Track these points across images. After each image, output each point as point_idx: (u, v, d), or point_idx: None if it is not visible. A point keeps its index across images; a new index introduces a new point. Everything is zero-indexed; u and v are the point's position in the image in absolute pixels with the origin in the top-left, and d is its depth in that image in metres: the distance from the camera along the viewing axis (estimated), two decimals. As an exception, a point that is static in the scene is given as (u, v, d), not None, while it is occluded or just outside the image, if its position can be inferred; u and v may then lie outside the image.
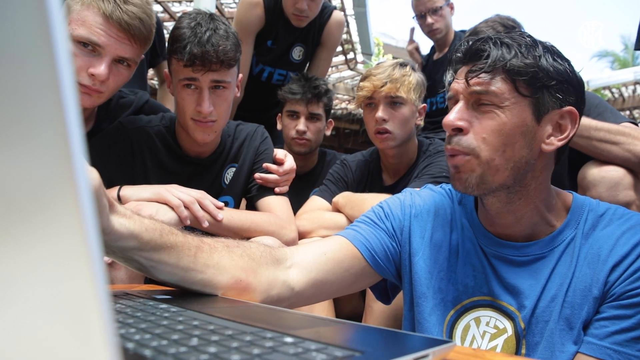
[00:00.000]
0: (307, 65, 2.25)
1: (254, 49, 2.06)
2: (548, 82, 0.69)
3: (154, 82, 3.49)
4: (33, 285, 0.19)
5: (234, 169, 1.32)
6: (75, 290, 0.19)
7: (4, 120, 0.18)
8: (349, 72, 4.82)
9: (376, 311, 1.19)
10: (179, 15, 1.76)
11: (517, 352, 0.72)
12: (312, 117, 1.82)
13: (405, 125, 1.48)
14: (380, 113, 1.45)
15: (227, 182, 1.31)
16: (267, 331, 0.41)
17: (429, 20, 2.34)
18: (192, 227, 1.09)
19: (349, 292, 0.84)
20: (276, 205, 1.27)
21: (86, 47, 1.03)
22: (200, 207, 1.08)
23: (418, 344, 0.41)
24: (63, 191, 0.19)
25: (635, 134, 1.23)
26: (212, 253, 0.63)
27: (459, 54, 0.75)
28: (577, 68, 0.74)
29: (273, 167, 1.30)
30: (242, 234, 1.14)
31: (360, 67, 4.83)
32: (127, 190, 1.08)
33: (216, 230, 1.11)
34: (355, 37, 4.69)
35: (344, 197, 1.45)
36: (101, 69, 1.04)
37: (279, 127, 1.93)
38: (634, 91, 4.47)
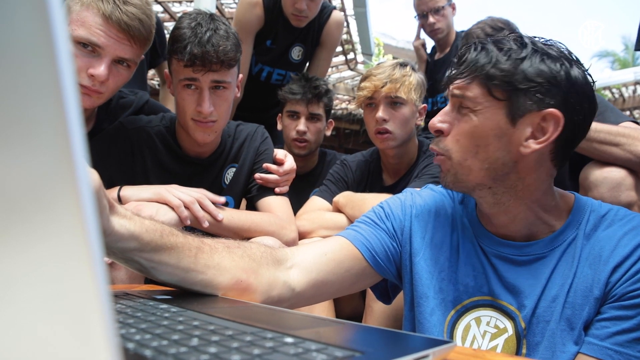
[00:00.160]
0: (307, 65, 2.25)
1: (253, 48, 2.06)
2: (525, 85, 0.68)
3: (154, 82, 3.49)
4: (33, 285, 0.19)
5: (234, 169, 1.32)
6: (75, 290, 0.19)
7: (5, 120, 0.18)
8: (349, 73, 4.82)
9: (376, 311, 1.19)
10: (179, 15, 1.76)
11: (518, 352, 0.72)
12: (312, 118, 1.82)
13: (405, 125, 1.48)
14: (380, 113, 1.45)
15: (227, 182, 1.31)
16: (268, 331, 0.41)
17: (431, 20, 2.34)
18: (193, 227, 1.09)
19: (349, 293, 0.84)
20: (276, 205, 1.27)
21: (86, 47, 1.03)
22: (201, 207, 1.08)
23: (418, 344, 0.41)
24: (64, 191, 0.19)
25: (635, 135, 1.23)
26: (213, 254, 0.63)
27: (454, 59, 0.77)
28: (583, 69, 0.72)
29: (273, 167, 1.30)
30: (242, 234, 1.14)
31: (360, 67, 4.83)
32: (127, 191, 1.08)
33: (216, 230, 1.11)
34: (356, 37, 4.69)
35: (345, 197, 1.44)
36: (101, 69, 1.03)
37: (279, 127, 1.93)
38: (634, 91, 4.47)
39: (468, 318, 0.76)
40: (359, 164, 1.64)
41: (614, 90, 4.55)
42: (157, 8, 3.16)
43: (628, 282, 0.65)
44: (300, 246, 0.81)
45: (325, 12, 2.12)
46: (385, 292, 0.92)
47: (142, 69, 1.79)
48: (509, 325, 0.73)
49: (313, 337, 0.39)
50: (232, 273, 0.64)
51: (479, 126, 0.71)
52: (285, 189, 1.32)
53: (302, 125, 1.79)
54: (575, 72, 0.70)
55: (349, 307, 1.43)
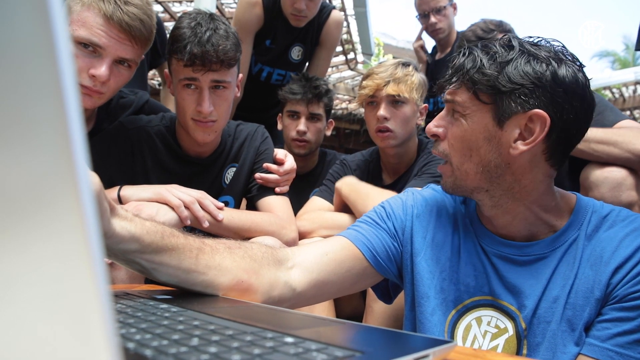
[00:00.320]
0: (307, 65, 2.25)
1: (252, 48, 2.06)
2: (509, 88, 0.69)
3: (154, 82, 3.49)
4: (34, 284, 0.19)
5: (234, 169, 1.32)
6: (76, 290, 0.19)
7: (5, 120, 0.18)
8: (349, 72, 4.82)
9: (377, 311, 1.19)
10: (179, 15, 1.76)
11: (519, 352, 0.72)
12: (312, 117, 1.82)
13: (406, 124, 1.48)
14: (381, 111, 1.46)
15: (227, 182, 1.31)
16: (268, 331, 0.41)
17: (432, 19, 2.34)
18: (193, 227, 1.09)
19: (350, 292, 0.84)
20: (276, 205, 1.27)
21: (87, 48, 1.03)
22: (201, 207, 1.08)
23: (419, 344, 0.41)
24: (64, 191, 0.19)
25: (631, 133, 1.24)
26: (214, 254, 0.63)
27: (450, 64, 0.78)
28: (577, 69, 0.72)
29: (273, 167, 1.30)
30: (243, 234, 1.14)
31: (360, 67, 4.84)
32: (128, 191, 1.08)
33: (216, 230, 1.11)
34: (356, 37, 4.69)
35: (349, 186, 1.43)
36: (102, 70, 1.03)
37: (279, 127, 1.93)
38: (635, 91, 4.47)
39: (469, 318, 0.76)
40: (359, 164, 1.65)
41: (614, 90, 4.55)
42: (157, 8, 3.16)
43: (629, 283, 0.65)
44: (301, 246, 0.81)
45: (325, 11, 2.12)
46: (387, 292, 0.92)
47: (142, 69, 1.79)
48: (509, 325, 0.73)
49: (313, 337, 0.39)
50: (233, 273, 0.64)
51: (468, 130, 0.73)
52: (286, 188, 1.32)
53: (302, 125, 1.79)
54: (563, 71, 0.69)
55: (349, 307, 1.43)
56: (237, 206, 1.33)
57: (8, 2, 0.18)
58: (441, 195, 0.87)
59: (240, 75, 1.26)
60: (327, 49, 2.21)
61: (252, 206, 1.32)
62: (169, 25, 3.00)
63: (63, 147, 0.18)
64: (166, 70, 1.24)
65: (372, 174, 1.62)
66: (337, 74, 4.81)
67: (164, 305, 0.52)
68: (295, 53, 2.14)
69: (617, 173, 1.23)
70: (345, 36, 4.30)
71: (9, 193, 0.19)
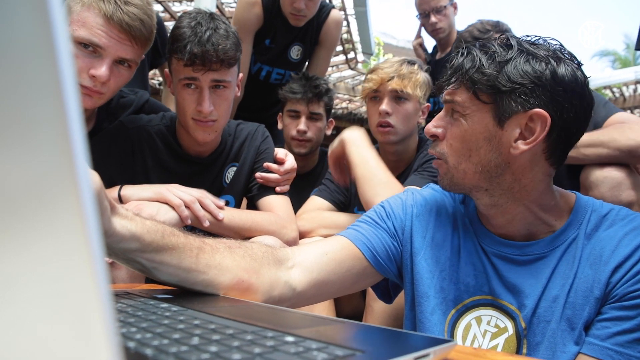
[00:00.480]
0: (306, 64, 2.25)
1: (252, 48, 2.06)
2: (509, 87, 0.69)
3: (154, 81, 3.49)
4: (34, 284, 0.19)
5: (234, 168, 1.32)
6: (76, 289, 0.19)
7: (6, 119, 0.18)
8: (349, 72, 4.82)
9: (377, 310, 1.19)
10: (179, 14, 1.76)
11: (518, 351, 0.72)
12: (312, 117, 1.82)
13: (407, 121, 1.48)
14: (384, 106, 1.46)
15: (227, 182, 1.31)
16: (268, 330, 0.41)
17: (433, 19, 2.34)
18: (193, 226, 1.09)
19: (350, 292, 0.84)
20: (277, 204, 1.27)
21: (87, 48, 1.03)
22: (201, 206, 1.08)
23: (419, 343, 0.41)
24: (64, 190, 0.19)
25: (615, 130, 1.25)
26: (214, 254, 0.63)
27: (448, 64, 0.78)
28: (576, 68, 0.72)
29: (274, 166, 1.30)
30: (243, 234, 1.14)
31: (360, 66, 4.83)
32: (128, 190, 1.08)
33: (217, 229, 1.11)
34: (356, 37, 4.68)
35: (362, 159, 1.33)
36: (102, 70, 1.03)
37: (279, 126, 1.93)
38: (635, 90, 4.47)
39: (469, 317, 0.76)
40: None
41: (614, 89, 4.55)
42: (157, 7, 3.16)
43: (629, 282, 0.65)
44: (301, 246, 0.81)
45: (324, 11, 2.12)
46: (387, 292, 0.92)
47: (143, 68, 1.79)
48: (509, 324, 0.73)
49: (314, 336, 0.39)
50: (233, 273, 0.64)
51: (468, 130, 0.72)
52: (286, 188, 1.32)
53: (302, 124, 1.79)
54: (562, 70, 0.69)
55: (349, 307, 1.43)
56: (237, 205, 1.33)
57: (8, 2, 0.18)
58: (441, 195, 0.87)
59: (241, 74, 1.26)
60: (327, 49, 2.21)
61: (252, 205, 1.32)
62: (169, 25, 3.00)
63: (63, 146, 0.18)
64: (166, 69, 1.24)
65: None
66: (338, 74, 4.81)
67: (165, 305, 0.52)
68: (295, 52, 2.14)
69: (616, 172, 1.23)
70: (345, 35, 4.30)
71: (10, 192, 0.19)
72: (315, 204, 1.54)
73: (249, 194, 1.33)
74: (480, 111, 0.72)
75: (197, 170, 1.28)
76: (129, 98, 1.37)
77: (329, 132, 1.94)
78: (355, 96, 4.58)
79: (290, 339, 0.38)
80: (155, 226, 0.59)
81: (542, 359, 0.68)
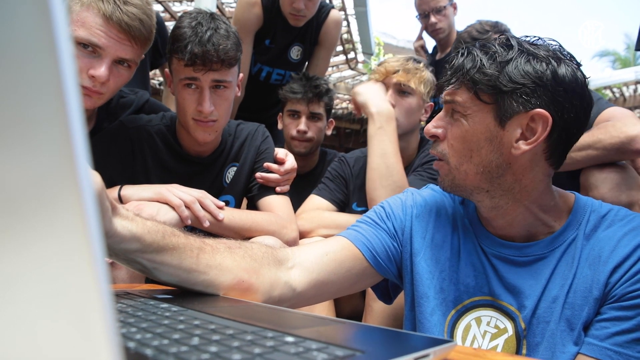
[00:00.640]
0: (306, 64, 2.25)
1: (252, 48, 2.06)
2: (510, 87, 0.69)
3: (154, 81, 3.49)
4: (35, 284, 0.19)
5: (235, 168, 1.32)
6: (77, 289, 0.19)
7: (7, 119, 0.18)
8: (349, 72, 4.82)
9: (376, 311, 1.19)
10: (179, 14, 1.76)
11: (518, 352, 0.72)
12: (313, 117, 1.82)
13: (409, 115, 1.48)
14: (387, 97, 1.46)
15: (228, 181, 1.31)
16: (268, 330, 0.41)
17: (432, 19, 2.35)
18: (193, 226, 1.09)
19: (350, 292, 0.84)
20: (277, 204, 1.27)
21: (86, 48, 1.03)
22: (201, 206, 1.08)
23: (419, 343, 0.41)
24: (65, 190, 0.19)
25: (599, 131, 1.26)
26: (215, 254, 0.63)
27: (447, 64, 0.78)
28: (575, 67, 0.73)
29: (274, 166, 1.30)
30: (243, 234, 1.14)
31: (360, 66, 4.83)
32: (128, 190, 1.08)
33: (217, 229, 1.11)
34: (356, 37, 4.68)
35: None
36: (101, 70, 1.03)
37: (279, 126, 1.93)
38: (635, 90, 4.47)
39: (468, 318, 0.76)
40: (357, 159, 1.64)
41: (614, 89, 4.55)
42: (157, 7, 3.16)
43: (627, 282, 0.65)
44: (301, 246, 0.81)
45: (324, 11, 2.12)
46: (386, 292, 0.92)
47: (144, 68, 1.79)
48: (509, 325, 0.73)
49: (314, 336, 0.39)
50: (234, 273, 0.64)
51: (470, 130, 0.72)
52: (286, 188, 1.32)
53: (302, 124, 1.79)
54: (562, 70, 0.69)
55: (349, 307, 1.43)
56: (237, 206, 1.33)
57: (9, 2, 0.18)
58: (440, 196, 0.87)
59: (241, 75, 1.26)
60: (326, 49, 2.21)
61: (252, 205, 1.32)
62: (169, 24, 3.00)
63: (64, 146, 0.18)
64: (167, 69, 1.24)
65: None
66: (338, 74, 4.81)
67: (165, 305, 0.52)
68: (295, 53, 2.14)
69: (616, 173, 1.23)
70: (345, 36, 4.30)
71: (11, 192, 0.19)
72: (315, 203, 1.54)
73: (249, 194, 1.33)
74: (482, 111, 0.72)
75: (197, 170, 1.28)
76: (129, 98, 1.37)
77: (329, 132, 1.94)
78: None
79: (290, 339, 0.38)
80: (156, 227, 0.59)
81: (541, 359, 0.68)
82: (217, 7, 3.01)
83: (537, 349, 0.70)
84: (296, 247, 0.84)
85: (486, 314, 0.75)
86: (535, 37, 0.76)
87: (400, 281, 0.86)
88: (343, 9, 4.00)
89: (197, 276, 0.61)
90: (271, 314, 0.54)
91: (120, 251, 0.56)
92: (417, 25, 2.51)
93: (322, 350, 0.36)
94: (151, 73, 2.55)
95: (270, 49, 2.10)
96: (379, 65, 1.53)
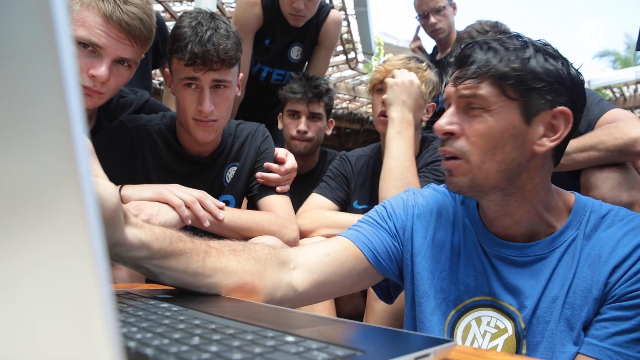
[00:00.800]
0: (306, 64, 2.25)
1: (252, 48, 2.06)
2: (536, 84, 0.69)
3: (154, 82, 3.49)
4: (36, 283, 0.19)
5: (235, 168, 1.32)
6: (77, 289, 0.19)
7: (8, 118, 0.18)
8: (349, 72, 4.81)
9: (377, 310, 1.19)
10: (179, 14, 1.76)
11: (518, 352, 0.72)
12: (313, 117, 1.82)
13: None
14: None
15: (228, 181, 1.31)
16: (269, 330, 0.41)
17: (432, 20, 2.34)
18: (193, 226, 1.09)
19: (351, 292, 0.84)
20: (277, 204, 1.27)
21: (86, 48, 1.03)
22: (202, 206, 1.08)
23: (419, 343, 0.41)
24: (66, 189, 0.19)
25: (602, 132, 1.26)
26: (220, 257, 0.64)
27: (451, 59, 0.77)
28: (575, 66, 0.74)
29: (274, 166, 1.30)
30: (243, 234, 1.14)
31: (361, 66, 4.83)
32: (128, 190, 1.08)
33: (217, 229, 1.11)
34: (356, 37, 4.68)
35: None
36: (102, 70, 1.03)
37: (279, 126, 1.93)
38: (635, 90, 4.46)
39: (468, 318, 0.76)
40: (359, 158, 1.65)
41: (615, 89, 4.55)
42: (157, 7, 3.16)
43: (627, 282, 0.65)
44: (303, 247, 0.81)
45: (323, 11, 2.12)
46: (387, 292, 0.93)
47: (146, 68, 1.79)
48: (509, 325, 0.73)
49: (314, 336, 0.39)
50: (238, 276, 0.64)
51: (495, 127, 0.70)
52: (287, 188, 1.32)
53: (302, 124, 1.79)
54: (572, 70, 0.71)
55: (349, 306, 1.43)
56: (238, 205, 1.33)
57: (10, 1, 0.18)
58: (442, 196, 0.87)
59: (242, 74, 1.26)
60: (326, 49, 2.21)
61: (253, 205, 1.32)
62: (170, 24, 2.99)
63: (65, 146, 0.18)
64: (167, 69, 1.24)
65: (372, 169, 1.62)
66: (338, 74, 4.80)
67: (165, 305, 0.52)
68: (295, 53, 2.14)
69: (617, 173, 1.23)
70: (345, 35, 4.30)
71: (11, 192, 0.19)
72: (316, 202, 1.54)
73: (249, 193, 1.33)
74: (507, 107, 0.70)
75: (198, 170, 1.28)
76: (129, 98, 1.37)
77: (329, 132, 1.94)
78: (355, 96, 4.58)
79: (290, 338, 0.38)
80: (163, 233, 0.59)
81: (541, 359, 0.68)
82: (218, 7, 3.01)
83: (537, 348, 0.70)
84: (298, 247, 0.84)
85: (486, 314, 0.75)
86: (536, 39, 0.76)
87: (401, 281, 0.86)
88: (343, 8, 4.00)
89: (202, 279, 0.61)
90: (272, 313, 0.54)
91: (129, 259, 0.56)
92: (415, 27, 2.50)
93: (322, 349, 0.36)
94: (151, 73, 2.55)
95: (270, 49, 2.10)
96: (381, 64, 1.53)
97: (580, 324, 0.67)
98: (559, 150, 0.74)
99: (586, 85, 0.75)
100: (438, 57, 2.48)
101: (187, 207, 1.06)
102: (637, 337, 0.63)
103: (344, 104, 4.67)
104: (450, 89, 0.75)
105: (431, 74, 1.51)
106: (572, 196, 0.78)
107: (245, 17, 1.99)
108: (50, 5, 0.18)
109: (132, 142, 1.22)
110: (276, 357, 0.33)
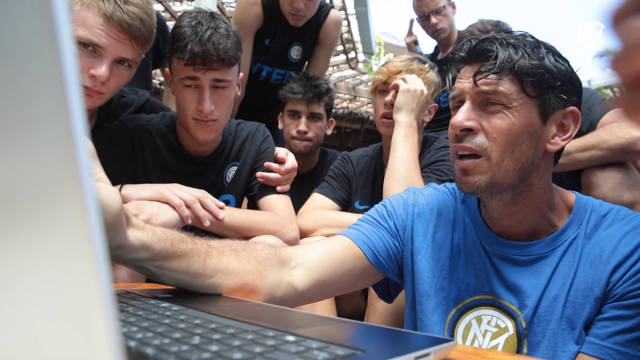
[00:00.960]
0: (306, 64, 2.24)
1: (252, 48, 2.06)
2: (553, 83, 0.70)
3: (155, 81, 3.49)
4: (36, 283, 0.19)
5: (235, 168, 1.32)
6: (78, 288, 0.19)
7: (9, 118, 0.18)
8: (350, 72, 4.81)
9: (378, 309, 1.19)
10: (179, 14, 1.76)
11: (519, 351, 0.72)
12: (313, 117, 1.82)
13: None
14: (390, 97, 1.46)
15: (228, 181, 1.31)
16: (269, 330, 0.41)
17: (433, 20, 2.34)
18: (193, 226, 1.09)
19: (351, 291, 0.84)
20: (278, 204, 1.27)
21: (87, 48, 1.03)
22: (202, 206, 1.08)
23: (419, 342, 0.41)
24: (67, 189, 0.19)
25: (603, 131, 1.27)
26: (221, 257, 0.64)
27: (462, 54, 0.75)
28: (575, 66, 0.74)
29: (275, 165, 1.30)
30: (244, 233, 1.14)
31: (361, 66, 4.83)
32: (129, 190, 1.08)
33: (217, 229, 1.11)
34: (357, 36, 4.68)
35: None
36: (102, 70, 1.03)
37: (280, 126, 1.93)
38: (636, 90, 4.46)
39: (469, 317, 0.76)
40: (360, 158, 1.65)
41: (615, 89, 4.54)
42: (157, 7, 3.16)
43: (628, 281, 0.65)
44: (303, 246, 0.81)
45: (323, 11, 2.12)
46: (387, 291, 0.93)
47: (146, 68, 1.79)
48: (510, 324, 0.73)
49: (314, 336, 0.39)
50: (239, 276, 0.64)
51: (516, 124, 0.70)
52: (287, 187, 1.32)
53: (303, 124, 1.79)
54: (574, 70, 0.73)
55: (350, 306, 1.43)
56: (238, 205, 1.34)
57: (11, 1, 0.18)
58: (442, 195, 0.87)
59: (242, 74, 1.26)
60: (326, 48, 2.21)
61: (253, 205, 1.33)
62: (170, 24, 2.99)
63: (66, 145, 0.18)
64: (167, 69, 1.24)
65: (373, 170, 1.62)
66: (338, 73, 4.80)
67: (165, 304, 0.52)
68: (295, 52, 2.14)
69: (618, 172, 1.23)
70: (346, 35, 4.30)
71: (12, 191, 0.19)
72: (318, 202, 1.54)
73: (249, 193, 1.33)
74: (527, 105, 0.70)
75: (198, 170, 1.28)
76: (130, 98, 1.37)
77: (329, 132, 1.94)
78: (355, 96, 4.58)
79: (291, 338, 0.38)
80: (164, 234, 0.59)
81: (542, 358, 0.68)
82: (218, 6, 3.01)
83: (538, 348, 0.70)
84: (298, 246, 0.84)
85: (487, 313, 0.75)
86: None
87: (401, 280, 0.86)
88: (343, 8, 4.00)
89: (203, 280, 0.61)
90: (272, 313, 0.54)
91: (130, 260, 0.56)
92: (418, 25, 2.50)
93: (322, 349, 0.36)
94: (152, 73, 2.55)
95: (270, 48, 2.10)
96: (383, 65, 1.53)
97: (582, 323, 0.67)
98: (560, 150, 0.75)
99: (587, 85, 0.76)
100: (440, 56, 2.48)
101: (187, 206, 1.06)
102: (638, 336, 0.63)
103: (344, 104, 4.67)
104: (465, 84, 0.73)
105: (433, 75, 1.51)
106: (572, 195, 0.78)
107: (246, 17, 1.99)
108: (51, 5, 0.18)
109: (132, 142, 1.22)
110: (276, 356, 0.33)
